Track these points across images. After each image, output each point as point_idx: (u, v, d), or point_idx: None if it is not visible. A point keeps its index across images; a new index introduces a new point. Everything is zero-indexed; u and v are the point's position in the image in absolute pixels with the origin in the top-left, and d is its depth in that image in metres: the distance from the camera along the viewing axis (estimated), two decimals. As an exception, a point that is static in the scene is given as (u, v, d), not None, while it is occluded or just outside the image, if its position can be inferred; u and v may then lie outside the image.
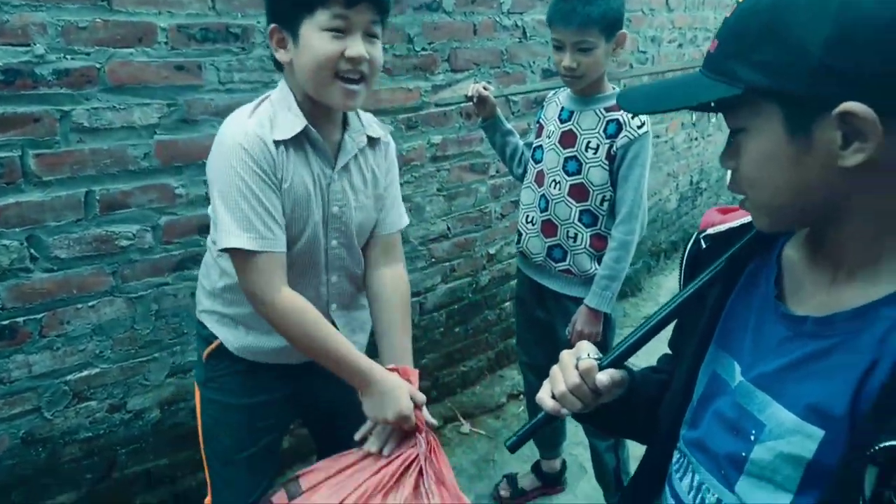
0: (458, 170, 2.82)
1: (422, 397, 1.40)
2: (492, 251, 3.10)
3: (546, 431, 2.49)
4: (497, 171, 2.97)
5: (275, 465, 1.63)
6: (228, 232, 1.29)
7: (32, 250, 1.82)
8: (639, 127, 1.96)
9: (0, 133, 1.70)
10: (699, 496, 0.84)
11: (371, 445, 1.35)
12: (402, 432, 1.35)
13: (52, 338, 1.91)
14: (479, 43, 2.72)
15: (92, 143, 1.85)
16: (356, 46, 1.25)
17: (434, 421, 1.43)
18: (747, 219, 0.85)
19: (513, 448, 0.95)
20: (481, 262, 3.07)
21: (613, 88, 2.06)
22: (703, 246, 0.92)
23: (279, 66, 1.36)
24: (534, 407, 2.54)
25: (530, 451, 2.62)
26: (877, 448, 0.60)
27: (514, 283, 2.90)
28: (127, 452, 2.15)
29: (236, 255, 1.32)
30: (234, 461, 1.53)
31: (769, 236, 0.83)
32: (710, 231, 0.92)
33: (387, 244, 1.57)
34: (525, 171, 2.25)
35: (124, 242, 1.97)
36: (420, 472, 1.25)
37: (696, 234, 0.94)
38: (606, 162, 2.00)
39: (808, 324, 0.74)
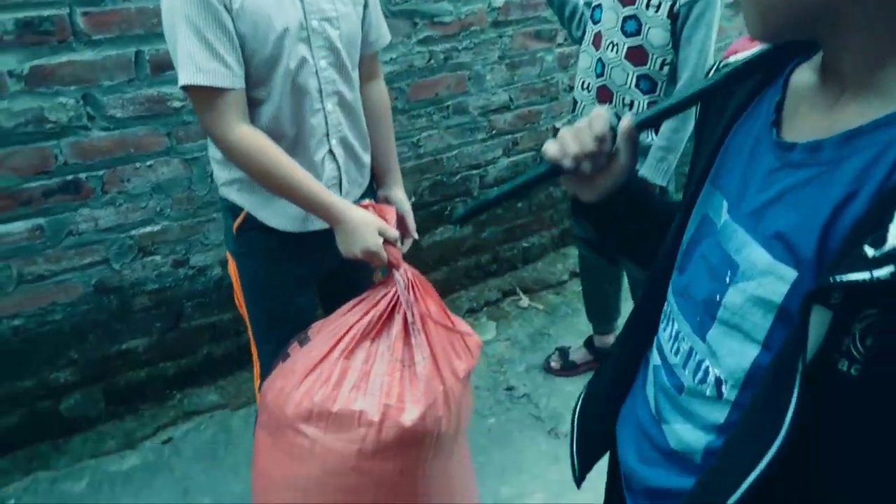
0: (522, 37, 2.67)
1: (394, 233, 1.38)
2: (558, 125, 2.97)
3: (599, 303, 2.47)
4: (565, 39, 2.79)
5: (310, 317, 1.68)
6: (179, 73, 1.27)
7: (89, 109, 1.90)
8: (707, -20, 1.77)
9: (47, -11, 1.74)
10: (676, 345, 0.80)
11: None
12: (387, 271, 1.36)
13: (114, 194, 2.02)
14: None
15: (137, 1, 1.87)
16: None
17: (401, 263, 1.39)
18: (767, 48, 0.75)
19: (460, 220, 0.92)
20: (546, 136, 2.96)
21: (683, -65, 1.85)
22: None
23: None
24: (588, 281, 2.51)
25: (586, 326, 2.61)
26: (834, 280, 0.53)
27: (578, 158, 2.80)
28: (192, 305, 2.30)
29: (190, 93, 1.32)
30: (273, 319, 1.59)
31: (784, 60, 0.73)
32: (731, 59, 0.82)
33: (368, 64, 1.57)
34: (584, 34, 2.10)
35: (176, 104, 2.02)
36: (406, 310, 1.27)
37: (717, 62, 0.85)
38: (668, 21, 1.83)
39: (795, 151, 0.66)
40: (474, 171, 2.79)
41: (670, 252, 0.86)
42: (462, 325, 1.37)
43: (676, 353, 0.80)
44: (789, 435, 0.58)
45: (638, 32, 1.88)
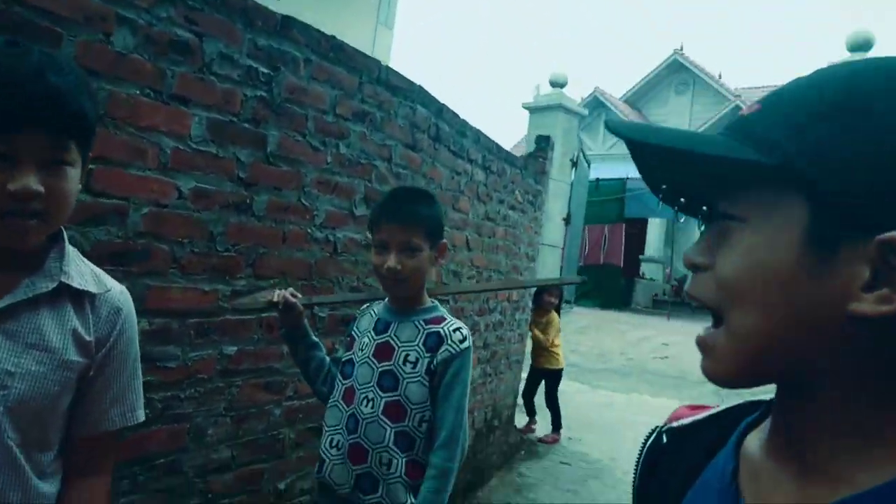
0: (251, 388, 2.47)
1: None
2: (281, 486, 2.66)
3: None
4: (295, 392, 2.65)
5: None
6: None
7: None
8: (461, 341, 1.84)
9: None
10: None
11: None
12: None
13: None
14: (287, 252, 2.56)
15: None
16: (22, 179, 0.98)
17: None
18: (717, 409, 0.70)
19: None
20: (268, 499, 2.61)
21: (433, 302, 1.96)
22: (664, 441, 0.73)
23: None
24: None
25: None
26: None
27: (305, 525, 2.47)
28: None
29: None
30: None
31: (728, 425, 0.67)
32: (675, 424, 0.74)
33: (90, 448, 1.19)
34: (331, 390, 1.99)
35: None
36: None
37: (657, 427, 0.76)
38: (426, 377, 1.82)
39: None
40: (179, 547, 2.27)
41: None
42: None
43: None
44: None
45: (395, 388, 1.83)
